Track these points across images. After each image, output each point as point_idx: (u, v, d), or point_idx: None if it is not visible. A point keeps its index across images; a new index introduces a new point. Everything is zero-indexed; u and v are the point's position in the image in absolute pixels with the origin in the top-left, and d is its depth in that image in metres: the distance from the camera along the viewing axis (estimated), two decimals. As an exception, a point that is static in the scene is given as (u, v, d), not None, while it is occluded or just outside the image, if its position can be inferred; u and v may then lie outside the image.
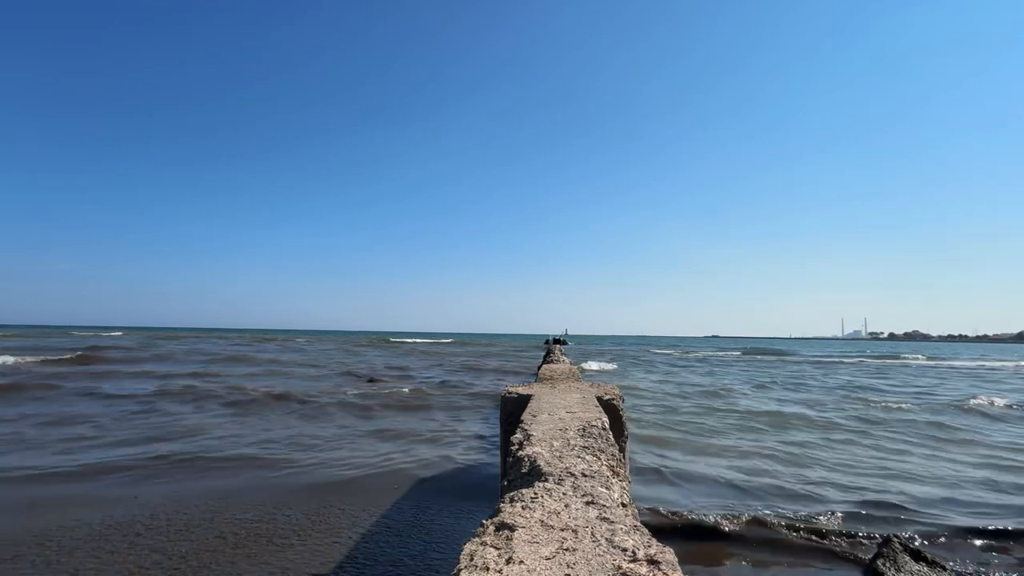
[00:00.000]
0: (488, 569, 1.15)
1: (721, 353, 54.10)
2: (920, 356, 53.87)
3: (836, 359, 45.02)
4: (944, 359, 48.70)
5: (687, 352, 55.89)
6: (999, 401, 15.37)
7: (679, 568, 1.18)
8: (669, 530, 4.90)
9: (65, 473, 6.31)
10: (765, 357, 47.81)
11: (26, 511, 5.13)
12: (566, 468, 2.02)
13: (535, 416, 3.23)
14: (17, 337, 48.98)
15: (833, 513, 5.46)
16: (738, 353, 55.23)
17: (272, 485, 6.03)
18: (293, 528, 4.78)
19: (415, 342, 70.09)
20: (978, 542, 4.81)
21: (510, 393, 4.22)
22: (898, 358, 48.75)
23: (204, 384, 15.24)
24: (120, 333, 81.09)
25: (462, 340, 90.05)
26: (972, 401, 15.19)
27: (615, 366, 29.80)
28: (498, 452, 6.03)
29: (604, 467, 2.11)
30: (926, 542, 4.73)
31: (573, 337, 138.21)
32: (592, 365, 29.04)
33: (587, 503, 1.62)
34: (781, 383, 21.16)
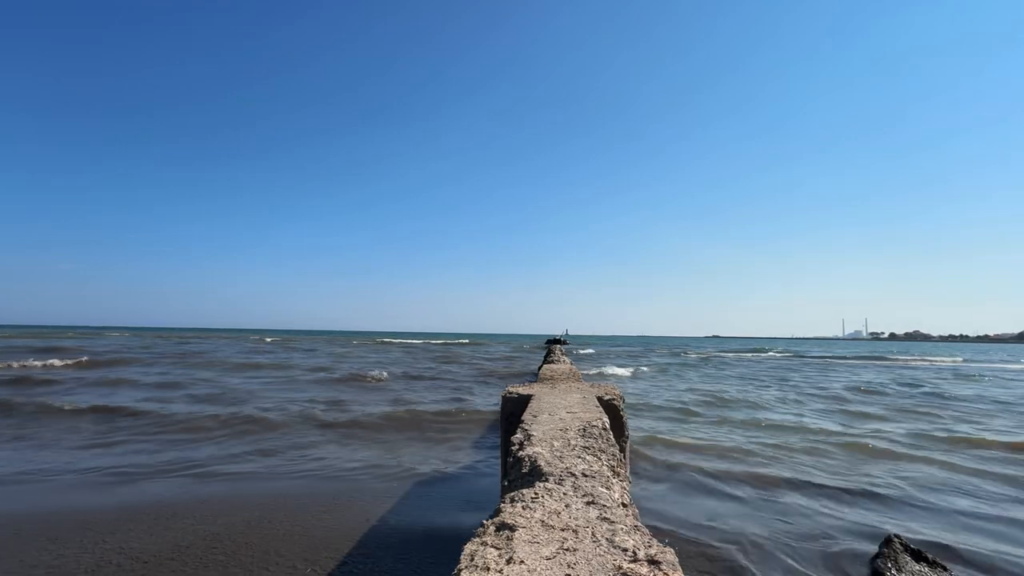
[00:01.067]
0: (489, 569, 1.15)
1: (737, 354, 49.66)
2: (958, 357, 48.24)
3: (862, 360, 39.96)
4: (990, 361, 41.64)
5: (701, 353, 51.89)
6: None
7: (679, 568, 1.18)
8: None
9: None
10: (803, 358, 42.48)
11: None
12: (566, 468, 2.02)
13: (535, 416, 3.23)
14: (9, 338, 48.06)
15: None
16: (752, 353, 51.56)
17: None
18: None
19: (415, 342, 70.04)
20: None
21: (510, 393, 4.22)
22: (961, 361, 42.82)
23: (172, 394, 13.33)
24: (127, 334, 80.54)
25: (462, 340, 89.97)
26: None
27: (629, 371, 24.87)
28: (499, 453, 6.00)
29: (605, 467, 2.11)
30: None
31: (574, 337, 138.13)
32: (613, 370, 25.00)
33: (588, 503, 1.63)
34: (852, 392, 16.66)
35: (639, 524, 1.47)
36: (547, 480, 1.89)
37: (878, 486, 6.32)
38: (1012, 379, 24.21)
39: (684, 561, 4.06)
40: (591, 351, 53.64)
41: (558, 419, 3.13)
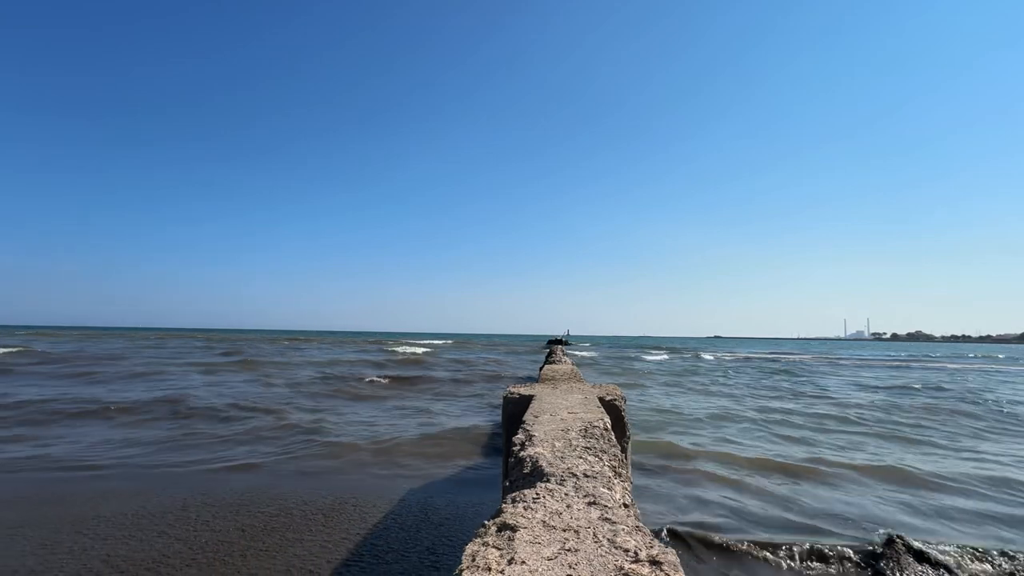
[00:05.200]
0: (490, 569, 1.15)
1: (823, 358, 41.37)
2: None
3: (966, 364, 36.66)
4: None
5: (735, 355, 45.18)
6: None
7: (681, 569, 1.18)
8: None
9: None
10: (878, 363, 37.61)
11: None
12: (568, 469, 2.02)
13: (537, 417, 3.23)
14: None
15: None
16: (809, 357, 44.63)
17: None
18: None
19: (416, 343, 69.85)
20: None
21: (512, 394, 4.23)
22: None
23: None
24: (100, 335, 77.93)
25: (463, 341, 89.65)
26: None
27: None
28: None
29: (606, 467, 2.11)
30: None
31: (575, 338, 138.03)
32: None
33: (589, 504, 1.62)
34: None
35: (640, 525, 1.47)
36: (548, 481, 1.89)
37: None
38: None
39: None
40: (662, 357, 40.88)
41: (559, 419, 3.12)
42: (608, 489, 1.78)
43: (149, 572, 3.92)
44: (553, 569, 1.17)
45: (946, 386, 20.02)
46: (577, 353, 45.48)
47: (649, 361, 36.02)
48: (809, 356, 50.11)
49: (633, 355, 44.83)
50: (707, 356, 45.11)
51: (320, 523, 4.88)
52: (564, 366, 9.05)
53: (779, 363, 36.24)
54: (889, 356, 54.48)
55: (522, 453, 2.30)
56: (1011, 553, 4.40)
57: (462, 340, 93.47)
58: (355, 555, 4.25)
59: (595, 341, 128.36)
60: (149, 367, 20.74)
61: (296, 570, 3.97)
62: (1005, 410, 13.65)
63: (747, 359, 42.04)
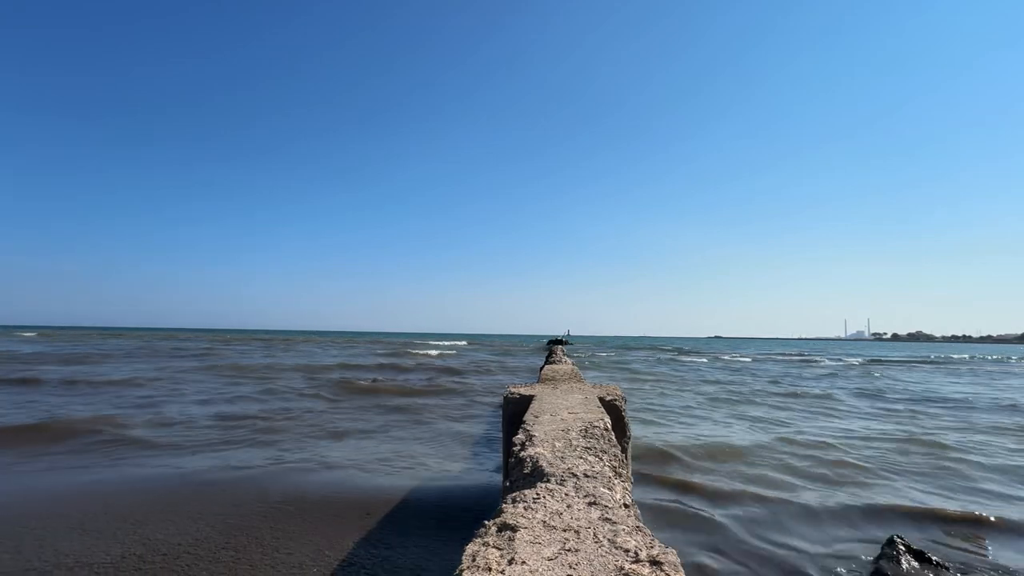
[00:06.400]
0: (490, 570, 1.15)
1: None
2: None
3: None
4: None
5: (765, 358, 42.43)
6: None
7: (681, 568, 1.18)
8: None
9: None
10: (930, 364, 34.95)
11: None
12: (568, 469, 2.02)
13: (537, 417, 3.23)
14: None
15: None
16: (859, 360, 39.37)
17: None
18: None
19: (416, 343, 69.76)
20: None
21: (512, 394, 4.23)
22: None
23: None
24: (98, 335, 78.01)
25: (463, 341, 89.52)
26: None
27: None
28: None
29: (606, 468, 2.11)
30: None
31: (575, 338, 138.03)
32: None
33: (589, 504, 1.62)
34: None
35: (641, 525, 1.46)
36: (549, 481, 1.89)
37: None
38: None
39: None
40: (701, 360, 38.30)
41: (560, 420, 3.13)
42: (608, 489, 1.78)
43: (189, 555, 4.02)
44: (553, 569, 1.17)
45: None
46: (601, 354, 44.45)
47: (689, 363, 33.36)
48: (821, 357, 45.81)
49: (666, 358, 41.18)
50: (744, 359, 41.19)
51: (336, 509, 5.16)
52: (564, 366, 9.04)
53: (820, 365, 33.02)
54: (918, 356, 51.53)
55: (522, 453, 2.30)
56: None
57: (462, 340, 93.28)
58: (376, 536, 4.53)
59: (597, 341, 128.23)
60: (136, 371, 20.44)
61: (326, 551, 4.18)
62: None
63: (786, 360, 38.80)
